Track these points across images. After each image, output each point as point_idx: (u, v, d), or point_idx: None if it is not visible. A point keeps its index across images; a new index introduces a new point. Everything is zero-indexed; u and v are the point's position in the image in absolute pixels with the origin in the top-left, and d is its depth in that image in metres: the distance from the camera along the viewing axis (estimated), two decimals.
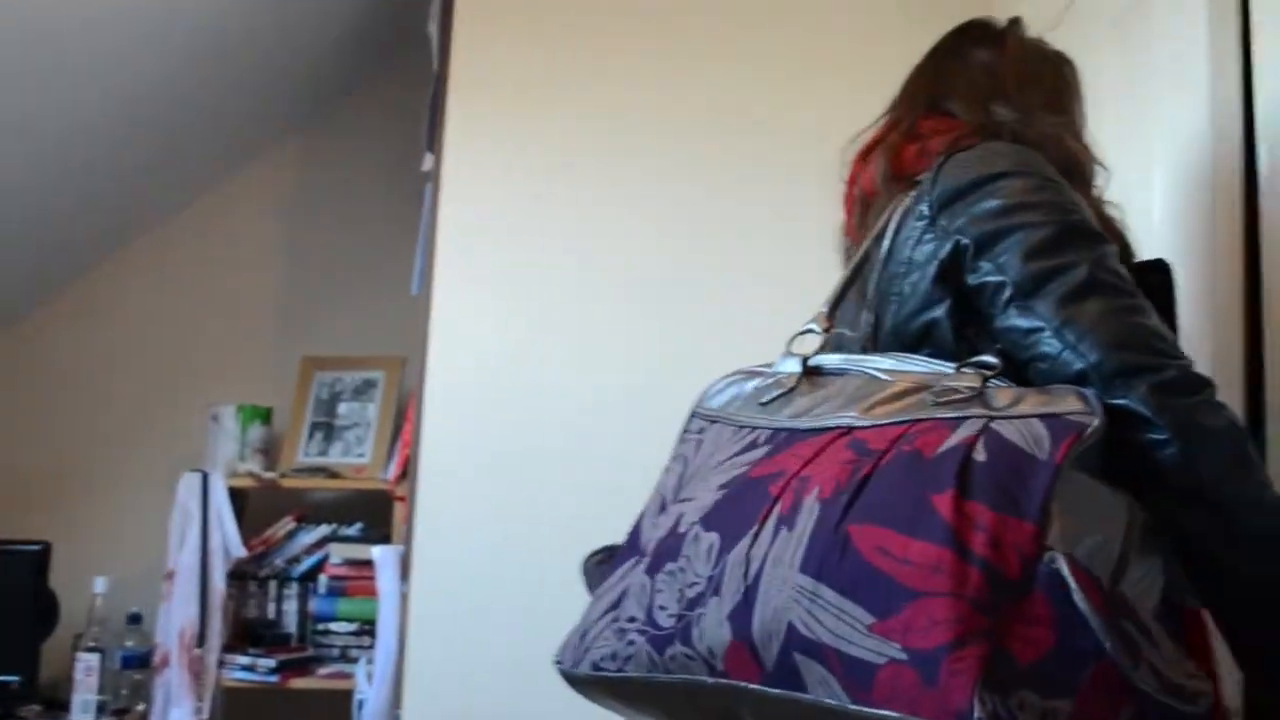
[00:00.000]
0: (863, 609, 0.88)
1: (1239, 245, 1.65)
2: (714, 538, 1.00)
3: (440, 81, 2.86)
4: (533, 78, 2.78)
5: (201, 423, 3.45)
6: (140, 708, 3.21)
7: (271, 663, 3.13)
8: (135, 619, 3.29)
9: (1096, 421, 0.94)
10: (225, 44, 3.12)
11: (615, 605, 1.09)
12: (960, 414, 0.97)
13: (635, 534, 1.16)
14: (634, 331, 2.70)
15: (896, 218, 1.21)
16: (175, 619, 3.13)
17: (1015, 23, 1.43)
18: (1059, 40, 1.48)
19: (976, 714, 0.81)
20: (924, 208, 1.17)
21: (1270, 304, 1.60)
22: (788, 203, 2.65)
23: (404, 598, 2.69)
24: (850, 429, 1.01)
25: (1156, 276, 1.25)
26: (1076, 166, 1.28)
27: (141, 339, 3.71)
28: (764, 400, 1.14)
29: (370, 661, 2.94)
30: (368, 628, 3.15)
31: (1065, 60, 1.45)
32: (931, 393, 1.01)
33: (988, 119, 1.28)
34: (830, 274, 1.45)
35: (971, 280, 1.13)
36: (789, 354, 1.18)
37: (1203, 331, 1.57)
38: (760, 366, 1.23)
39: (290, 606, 3.32)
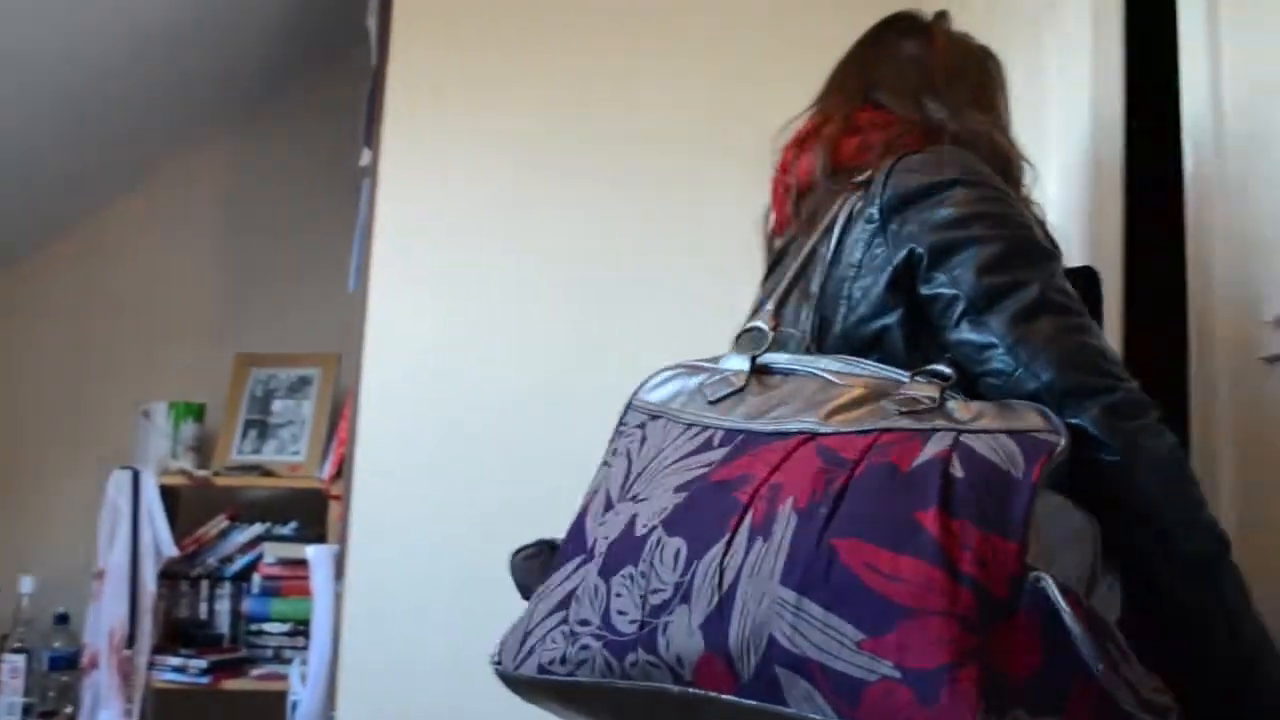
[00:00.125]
0: (851, 625, 0.87)
1: (1118, 247, 1.71)
2: (679, 543, 0.98)
3: (378, 76, 2.84)
4: (472, 73, 2.76)
5: (132, 419, 3.40)
6: (68, 710, 3.15)
7: (203, 664, 3.08)
8: (63, 619, 3.24)
9: (1064, 441, 0.96)
10: (164, 35, 3.07)
11: (562, 606, 1.06)
12: (926, 426, 0.97)
13: (579, 532, 1.13)
14: (572, 329, 2.69)
15: (843, 217, 1.20)
16: (104, 619, 3.07)
17: (941, 16, 1.44)
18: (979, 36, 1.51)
19: None
20: (873, 210, 1.17)
21: (1195, 306, 1.63)
22: (724, 201, 2.65)
23: (338, 598, 2.67)
24: (814, 434, 1.01)
25: (1083, 283, 1.27)
26: (1007, 165, 1.30)
27: (71, 334, 3.64)
28: (713, 398, 1.13)
29: (304, 662, 2.91)
30: (302, 628, 3.12)
31: (990, 55, 1.46)
32: (893, 401, 1.02)
33: (923, 115, 1.29)
34: (757, 273, 1.45)
35: (924, 291, 1.13)
36: (735, 351, 1.17)
37: None
38: (702, 361, 1.22)
39: (223, 606, 3.28)
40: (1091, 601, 0.96)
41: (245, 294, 3.69)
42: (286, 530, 3.30)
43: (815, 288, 1.20)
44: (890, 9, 1.48)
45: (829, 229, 1.21)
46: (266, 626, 3.22)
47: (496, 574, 2.56)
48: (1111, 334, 1.61)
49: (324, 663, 2.76)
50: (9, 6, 2.62)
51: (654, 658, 0.96)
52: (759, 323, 1.18)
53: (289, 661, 3.10)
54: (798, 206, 1.31)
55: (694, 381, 1.18)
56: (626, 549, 1.03)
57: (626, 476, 1.13)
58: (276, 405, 3.46)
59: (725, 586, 0.93)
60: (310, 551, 2.94)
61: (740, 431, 1.06)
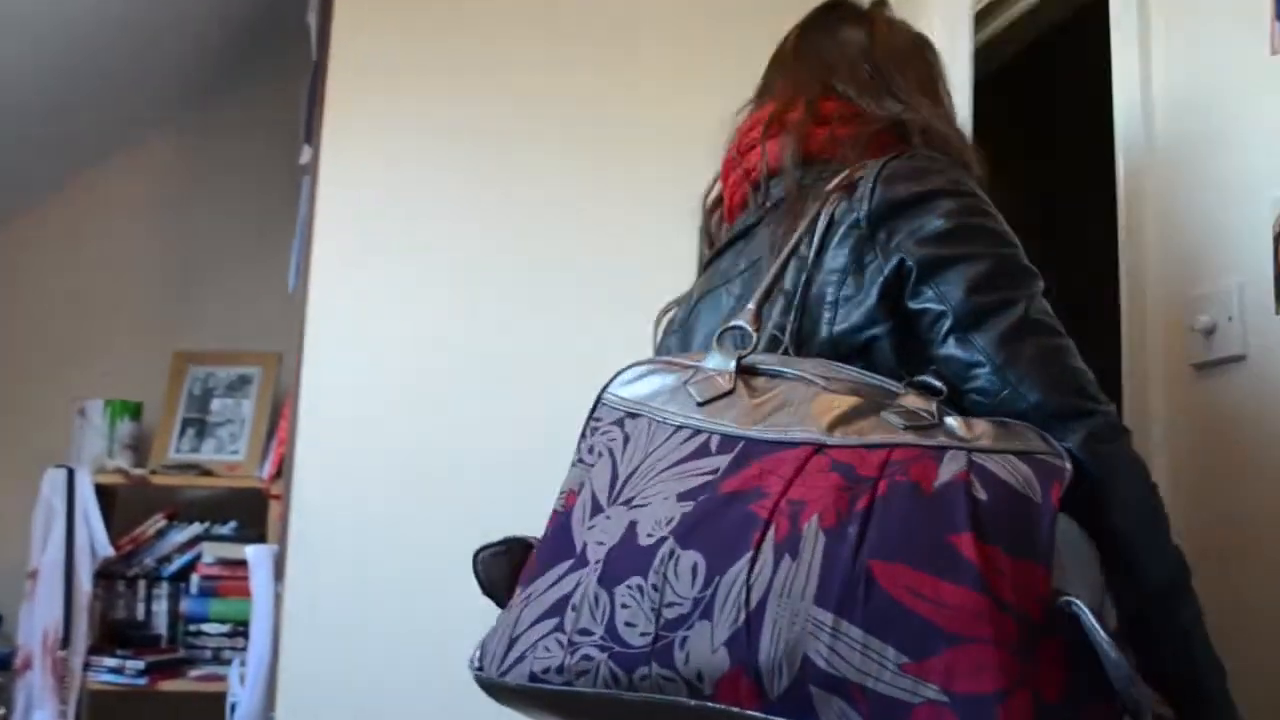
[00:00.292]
0: (892, 648, 0.88)
1: None
2: (696, 557, 0.97)
3: (319, 72, 2.81)
4: (412, 70, 2.74)
5: (67, 417, 3.35)
6: (1, 712, 3.10)
7: (140, 665, 3.05)
8: None
9: (1069, 465, 0.99)
10: (101, 32, 3.02)
11: (554, 613, 1.04)
12: (935, 443, 0.99)
13: (563, 534, 1.10)
14: (518, 328, 2.69)
15: (824, 219, 1.18)
16: (38, 620, 3.03)
17: (881, 4, 1.45)
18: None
19: None
20: (859, 217, 1.16)
21: (1127, 314, 1.66)
22: (676, 194, 2.66)
23: (278, 598, 2.65)
24: (821, 446, 1.00)
25: None
26: (966, 161, 1.30)
27: (5, 329, 3.58)
28: (701, 399, 1.10)
29: (243, 663, 2.89)
30: (241, 629, 3.09)
31: (928, 43, 1.47)
32: (892, 413, 1.02)
33: (886, 110, 1.30)
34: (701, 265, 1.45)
35: (912, 304, 1.13)
36: (718, 350, 1.15)
37: None
38: (678, 358, 1.20)
39: (160, 607, 3.24)
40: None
41: (184, 291, 3.64)
42: (225, 530, 3.27)
43: (794, 289, 1.18)
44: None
45: (810, 230, 1.19)
46: (205, 627, 3.19)
47: (437, 575, 2.56)
48: None
49: (263, 664, 2.74)
50: None
51: (669, 671, 0.95)
52: (741, 322, 1.16)
53: (228, 662, 3.07)
54: (764, 192, 1.29)
55: (671, 379, 1.16)
56: (630, 558, 1.01)
57: (613, 479, 1.10)
58: (215, 404, 3.42)
59: (753, 604, 0.92)
60: (250, 551, 2.91)
61: (739, 438, 1.05)
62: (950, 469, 0.96)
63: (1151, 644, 1.04)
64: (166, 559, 3.25)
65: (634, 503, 1.05)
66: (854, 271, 1.15)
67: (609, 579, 1.01)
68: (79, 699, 3.03)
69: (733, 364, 1.12)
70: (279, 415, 3.21)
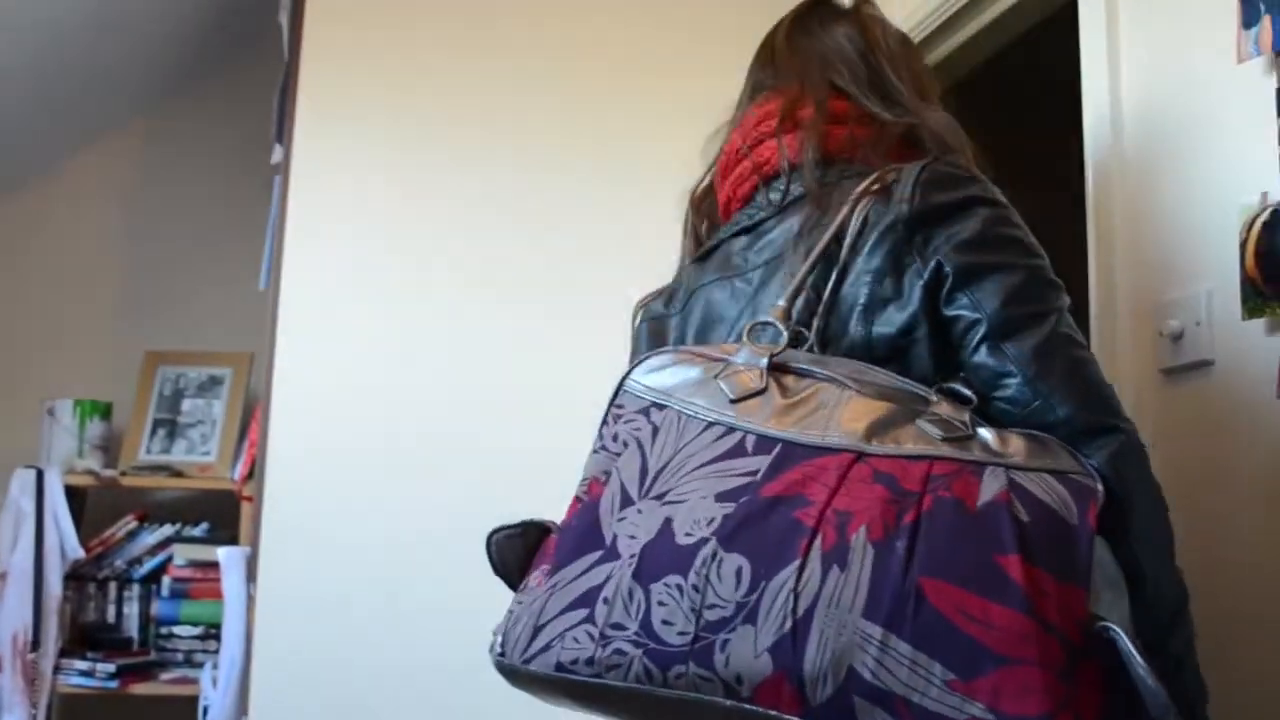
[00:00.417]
0: (940, 665, 0.90)
1: None
2: (740, 561, 0.97)
3: (290, 72, 2.80)
4: (384, 69, 2.73)
5: (36, 417, 3.32)
6: None
7: (111, 668, 3.02)
8: None
9: (1100, 486, 1.01)
10: (71, 28, 3.00)
11: (583, 604, 1.03)
12: (973, 458, 1.00)
13: (592, 524, 1.09)
14: (487, 327, 2.68)
15: (857, 221, 1.18)
16: (7, 622, 3.00)
17: (869, 3, 1.45)
18: None
19: None
20: (895, 220, 1.16)
21: (1097, 319, 1.67)
22: (649, 198, 2.66)
23: (250, 600, 2.64)
24: (861, 454, 1.01)
25: None
26: (968, 161, 1.30)
27: None
28: (735, 396, 1.10)
29: (215, 666, 2.88)
30: (213, 631, 3.07)
31: (913, 42, 1.49)
32: (927, 421, 1.04)
33: (891, 113, 1.30)
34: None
35: (947, 311, 1.13)
36: (748, 346, 1.14)
37: None
38: (703, 349, 1.19)
39: (131, 609, 3.22)
40: None
41: (155, 290, 3.62)
42: (197, 532, 3.25)
43: (821, 288, 1.18)
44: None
45: (841, 230, 1.18)
46: (177, 629, 3.17)
47: (411, 575, 2.56)
48: None
49: (236, 666, 2.73)
50: None
51: (707, 672, 0.96)
52: (771, 319, 1.16)
53: (200, 665, 3.06)
54: (784, 187, 1.28)
55: (696, 372, 1.15)
56: (668, 556, 1.01)
57: (643, 471, 1.09)
58: (186, 404, 3.40)
59: (800, 612, 0.93)
60: (221, 553, 2.90)
61: (776, 439, 1.05)
62: (992, 487, 0.98)
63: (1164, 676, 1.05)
64: (137, 561, 3.23)
65: (667, 498, 1.05)
66: (892, 273, 1.15)
67: (645, 575, 1.01)
68: (49, 702, 3.01)
69: (765, 361, 1.11)
70: (250, 416, 3.19)
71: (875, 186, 1.19)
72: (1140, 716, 0.91)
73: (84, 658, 3.05)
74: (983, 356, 1.11)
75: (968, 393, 1.07)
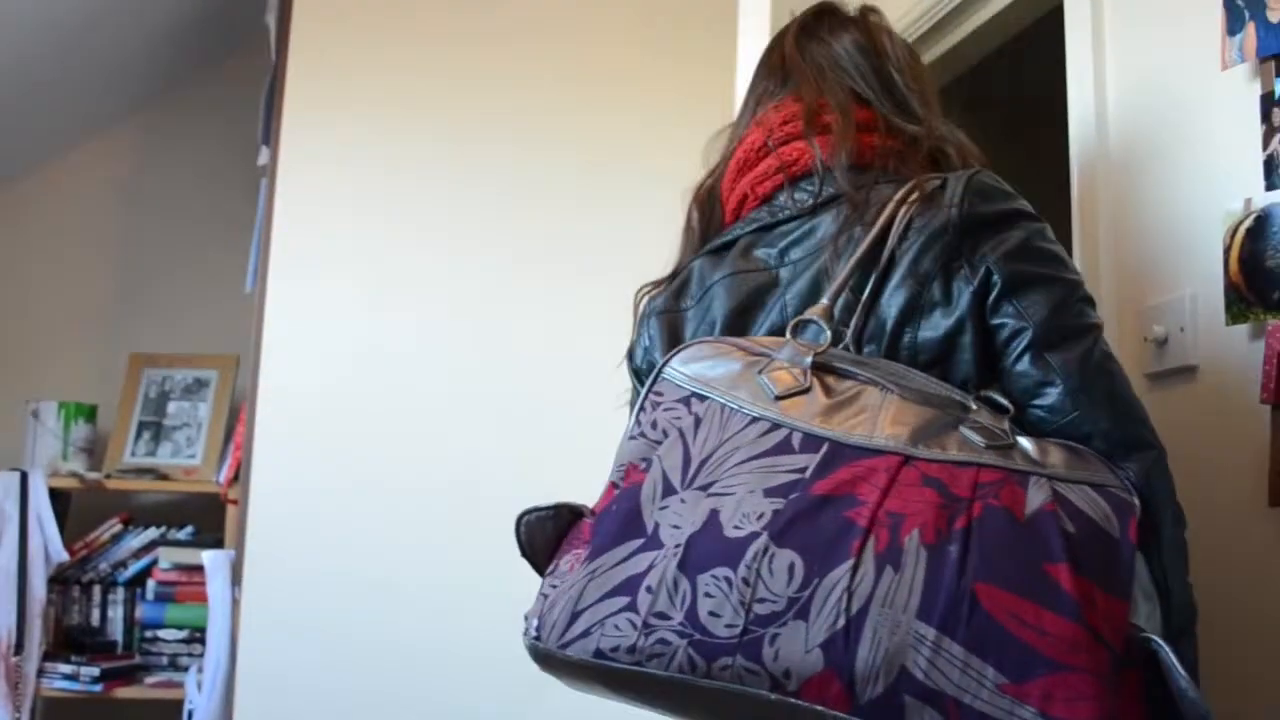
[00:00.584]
0: (992, 668, 0.92)
1: None
2: (793, 557, 0.98)
3: (277, 74, 2.79)
4: (370, 72, 2.74)
5: (20, 419, 3.31)
6: None
7: (95, 671, 3.01)
8: None
9: (1138, 500, 1.04)
10: (58, 29, 2.99)
11: (624, 592, 1.03)
12: (1017, 467, 1.03)
13: (632, 512, 1.08)
14: (474, 328, 2.69)
15: (899, 225, 1.18)
16: None
17: (872, 10, 1.46)
18: None
19: None
20: (945, 225, 1.16)
21: None
22: (635, 203, 2.67)
23: (235, 604, 2.63)
24: (909, 457, 1.03)
25: None
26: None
27: None
28: (780, 393, 1.11)
29: (200, 670, 2.87)
30: (198, 635, 3.07)
31: (915, 50, 1.49)
32: (970, 429, 1.06)
33: (909, 123, 1.32)
34: (651, 275, 1.44)
35: (992, 320, 1.14)
36: (791, 343, 1.15)
37: None
38: (743, 342, 1.19)
39: (116, 613, 3.21)
40: None
41: (141, 292, 3.61)
42: (182, 535, 3.24)
43: (860, 290, 1.19)
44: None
45: (883, 234, 1.19)
46: (162, 633, 3.16)
47: (396, 579, 2.56)
48: None
49: (221, 670, 2.73)
50: None
51: (755, 665, 0.96)
52: (815, 317, 1.17)
53: (185, 669, 3.05)
54: (813, 189, 1.28)
55: (737, 365, 1.15)
56: (716, 548, 1.01)
57: (686, 461, 1.09)
58: (171, 407, 3.39)
59: (854, 611, 0.95)
60: (206, 557, 2.89)
61: (823, 438, 1.06)
62: (1038, 497, 1.00)
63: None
64: (122, 564, 3.22)
65: (712, 490, 1.06)
66: (940, 278, 1.16)
67: (691, 565, 1.01)
68: (32, 706, 3.00)
69: (809, 360, 1.12)
70: (236, 419, 3.19)
71: (915, 194, 1.20)
72: None
73: (68, 661, 3.04)
74: (1026, 365, 1.12)
75: (1005, 402, 1.09)
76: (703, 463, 1.08)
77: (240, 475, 2.78)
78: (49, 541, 3.09)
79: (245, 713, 2.53)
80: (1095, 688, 0.91)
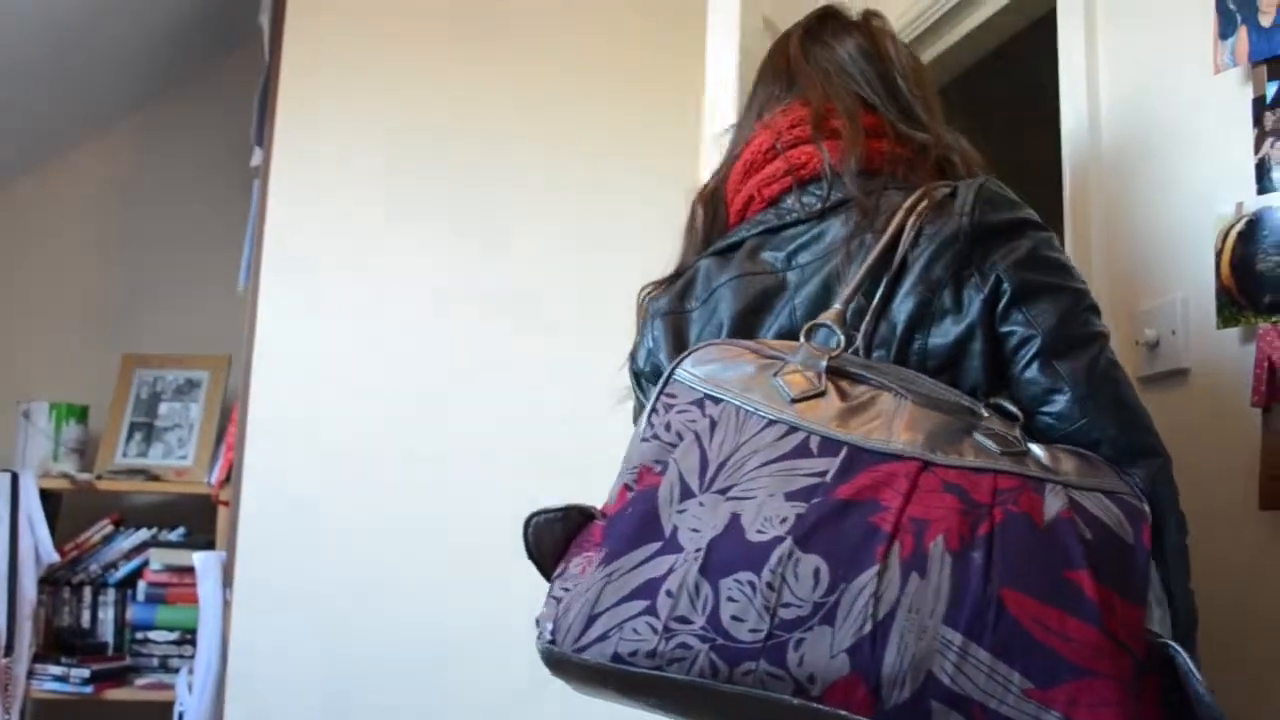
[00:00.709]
0: (1018, 673, 0.93)
1: None
2: (818, 562, 0.98)
3: (271, 75, 2.79)
4: (364, 72, 2.74)
5: (11, 420, 3.30)
6: None
7: (85, 673, 3.01)
8: None
9: (1148, 508, 1.06)
10: (53, 29, 2.98)
11: (643, 595, 1.02)
12: (1032, 474, 1.04)
13: (649, 514, 1.08)
14: (464, 330, 2.68)
15: (910, 232, 1.19)
16: None
17: (874, 15, 1.46)
18: None
19: None
20: (957, 233, 1.17)
21: None
22: (626, 204, 2.67)
23: (226, 605, 2.62)
24: (927, 463, 1.04)
25: None
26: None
27: None
28: (796, 396, 1.11)
29: (191, 671, 2.86)
30: (189, 636, 3.06)
31: (917, 55, 1.51)
32: (983, 435, 1.07)
33: (915, 130, 1.33)
34: (654, 276, 1.44)
35: (1001, 327, 1.16)
36: (805, 347, 1.15)
37: None
38: (754, 345, 1.19)
39: (106, 614, 3.20)
40: None
41: (133, 292, 3.60)
42: (174, 536, 3.23)
43: (871, 295, 1.19)
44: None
45: (894, 240, 1.20)
46: (152, 635, 3.15)
47: (387, 580, 2.55)
48: None
49: (211, 672, 2.72)
50: None
51: (779, 670, 0.96)
52: (828, 321, 1.17)
53: (175, 671, 3.04)
54: (822, 193, 1.29)
55: (750, 368, 1.15)
56: (738, 552, 1.01)
57: (703, 464, 1.09)
58: (163, 408, 3.38)
59: (880, 616, 0.95)
60: (197, 558, 2.88)
61: (841, 443, 1.06)
62: (1055, 504, 1.01)
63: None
64: (113, 565, 3.21)
65: (731, 493, 1.05)
66: (951, 285, 1.17)
67: (713, 569, 1.01)
68: (22, 708, 2.99)
69: (824, 364, 1.13)
70: (228, 420, 3.18)
71: (924, 202, 1.20)
72: None
73: (58, 663, 3.03)
74: (1034, 372, 1.13)
75: (1014, 409, 1.10)
76: (721, 466, 1.08)
77: (232, 477, 2.77)
78: (39, 542, 3.08)
79: (236, 715, 2.52)
80: (1119, 694, 0.92)
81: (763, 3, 1.93)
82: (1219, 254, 1.46)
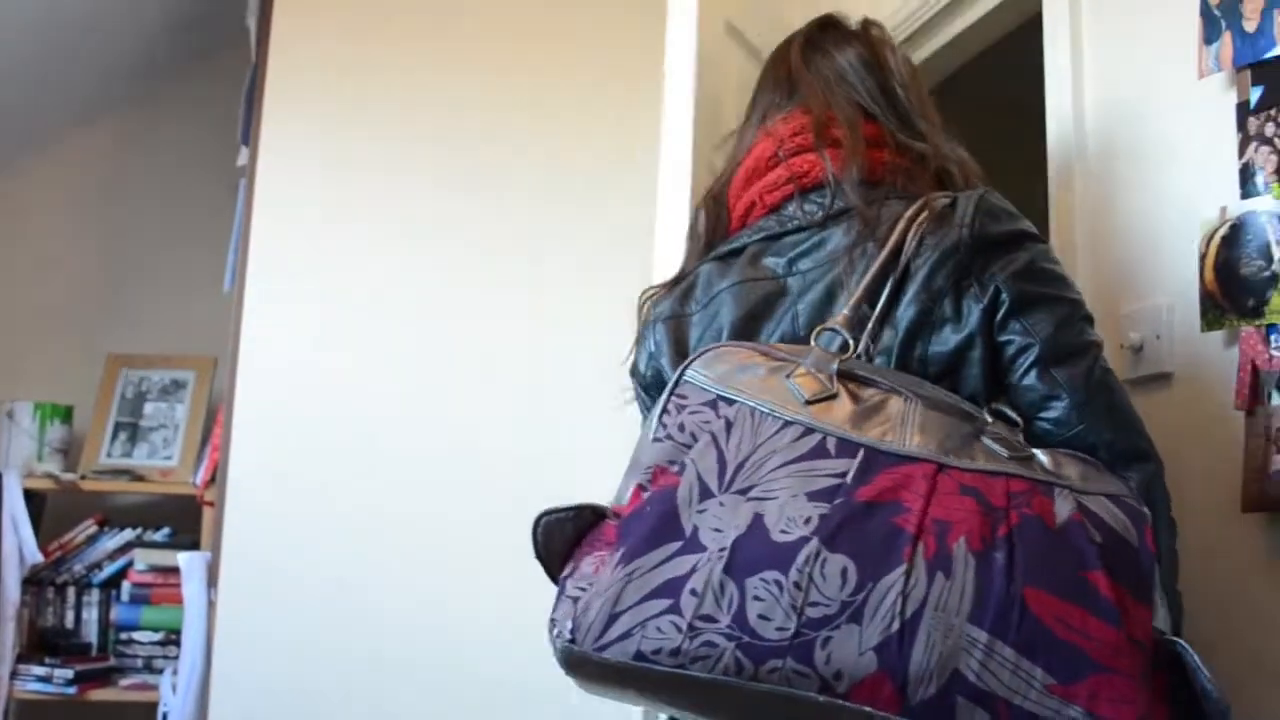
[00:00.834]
0: (1041, 670, 0.96)
1: None
2: (846, 562, 1.00)
3: (257, 75, 2.79)
4: (351, 73, 2.73)
5: None
6: None
7: (69, 673, 2.99)
8: None
9: (1147, 511, 1.10)
10: (38, 27, 2.97)
11: (665, 594, 1.03)
12: (1041, 478, 1.08)
13: (668, 514, 1.09)
14: (453, 331, 2.68)
15: (912, 242, 1.22)
16: None
17: (872, 24, 1.50)
18: None
19: None
20: (954, 244, 1.20)
21: None
22: (616, 200, 2.67)
23: (211, 606, 2.62)
24: (942, 466, 1.07)
25: None
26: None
27: None
28: (810, 398, 1.13)
29: (175, 672, 2.85)
30: (173, 637, 3.05)
31: (914, 63, 1.52)
32: (991, 440, 1.11)
33: (915, 140, 1.36)
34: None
35: (999, 336, 1.19)
36: (814, 350, 1.18)
37: None
38: (763, 348, 1.21)
39: (90, 615, 3.19)
40: None
41: (117, 292, 3.58)
42: (158, 536, 3.22)
43: (874, 302, 1.22)
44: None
45: (897, 249, 1.23)
46: (136, 635, 3.14)
47: (372, 582, 2.55)
48: None
49: (196, 672, 2.71)
50: None
51: (805, 668, 0.98)
52: (836, 326, 1.20)
53: (160, 671, 3.03)
54: (824, 201, 1.31)
55: (760, 370, 1.17)
56: (764, 552, 1.03)
57: (721, 465, 1.11)
58: (148, 408, 3.37)
59: (908, 615, 0.98)
60: (182, 558, 2.87)
61: (858, 444, 1.09)
62: (1065, 508, 1.05)
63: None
64: (97, 566, 3.20)
65: (752, 493, 1.07)
66: (951, 294, 1.20)
67: (738, 569, 1.02)
68: (6, 708, 2.98)
69: (834, 367, 1.16)
70: (213, 420, 3.17)
71: (925, 213, 1.23)
72: None
73: (42, 664, 3.02)
74: (1033, 379, 1.17)
75: (1014, 417, 1.14)
76: (740, 466, 1.10)
77: (217, 477, 2.77)
78: (23, 543, 3.06)
79: (220, 716, 2.52)
80: (1136, 690, 0.96)
81: (727, 7, 1.94)
82: (1203, 258, 1.46)
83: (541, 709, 2.37)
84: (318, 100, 2.71)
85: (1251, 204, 1.41)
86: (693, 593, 1.02)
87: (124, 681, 3.09)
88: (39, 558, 3.08)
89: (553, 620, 1.08)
